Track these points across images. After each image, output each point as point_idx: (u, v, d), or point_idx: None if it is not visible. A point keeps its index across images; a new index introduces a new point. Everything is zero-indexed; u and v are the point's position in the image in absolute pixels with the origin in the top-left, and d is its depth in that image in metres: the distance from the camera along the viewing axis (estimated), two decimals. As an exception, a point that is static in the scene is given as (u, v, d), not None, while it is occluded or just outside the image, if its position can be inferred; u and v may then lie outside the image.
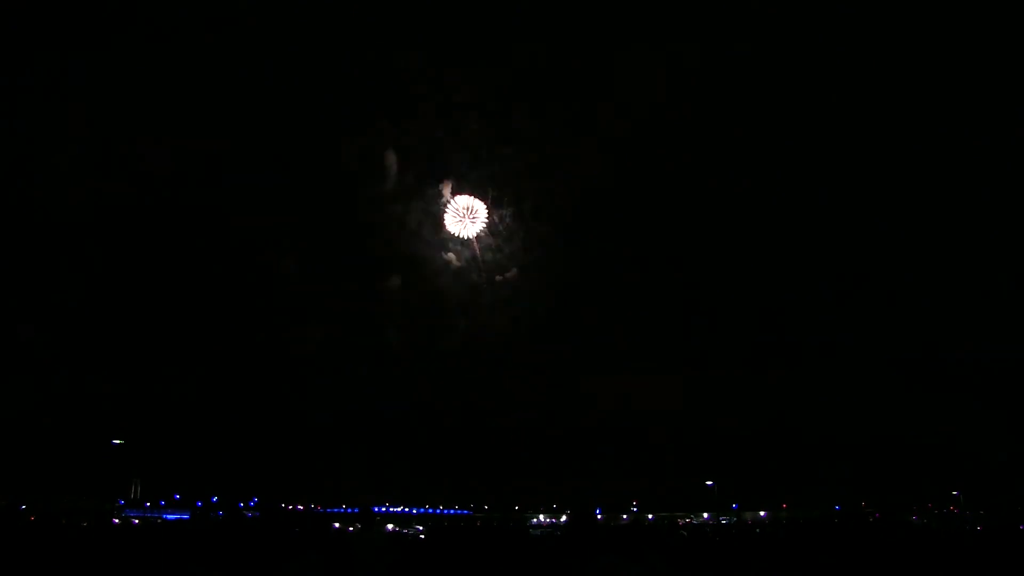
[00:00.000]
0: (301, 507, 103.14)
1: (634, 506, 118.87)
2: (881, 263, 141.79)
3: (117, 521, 60.86)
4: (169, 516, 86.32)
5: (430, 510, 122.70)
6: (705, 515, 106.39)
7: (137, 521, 63.50)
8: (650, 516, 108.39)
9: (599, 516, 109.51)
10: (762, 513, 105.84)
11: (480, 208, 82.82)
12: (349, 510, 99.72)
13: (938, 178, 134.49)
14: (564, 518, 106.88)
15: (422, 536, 40.10)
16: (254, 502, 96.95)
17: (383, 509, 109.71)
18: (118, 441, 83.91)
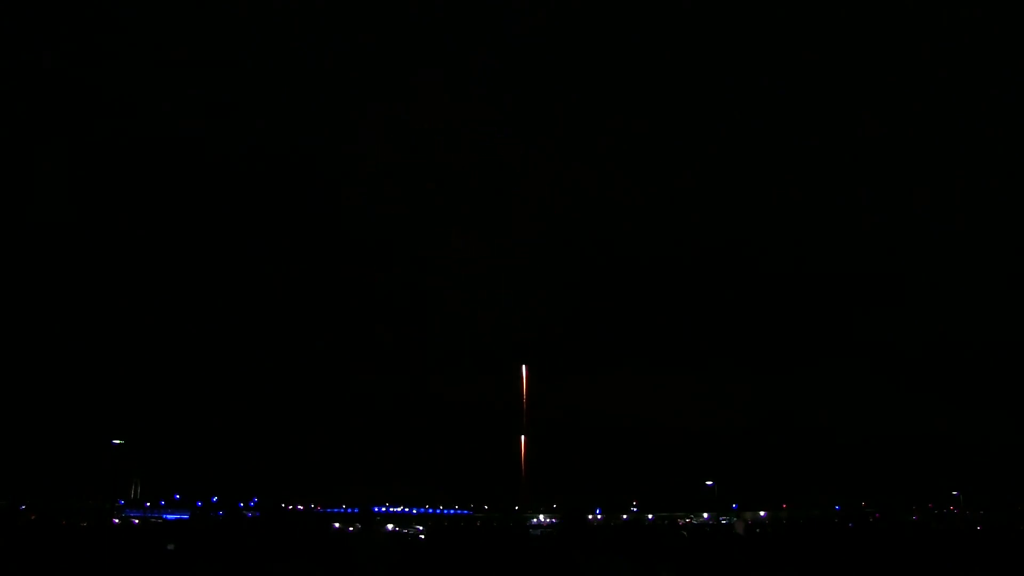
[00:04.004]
0: (301, 507, 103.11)
1: (634, 506, 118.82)
2: (881, 262, 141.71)
3: (117, 521, 60.80)
4: (169, 516, 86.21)
5: (430, 510, 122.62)
6: (705, 515, 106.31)
7: (137, 521, 63.44)
8: (650, 516, 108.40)
9: (599, 516, 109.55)
10: (762, 513, 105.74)
11: None
12: (349, 510, 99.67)
13: (938, 175, 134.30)
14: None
15: (422, 536, 40.06)
16: (254, 502, 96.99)
17: (383, 509, 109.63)
18: (118, 441, 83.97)
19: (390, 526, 63.87)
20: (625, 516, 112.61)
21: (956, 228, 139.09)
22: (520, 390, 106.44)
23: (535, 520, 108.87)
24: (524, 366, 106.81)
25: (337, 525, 48.59)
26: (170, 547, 21.37)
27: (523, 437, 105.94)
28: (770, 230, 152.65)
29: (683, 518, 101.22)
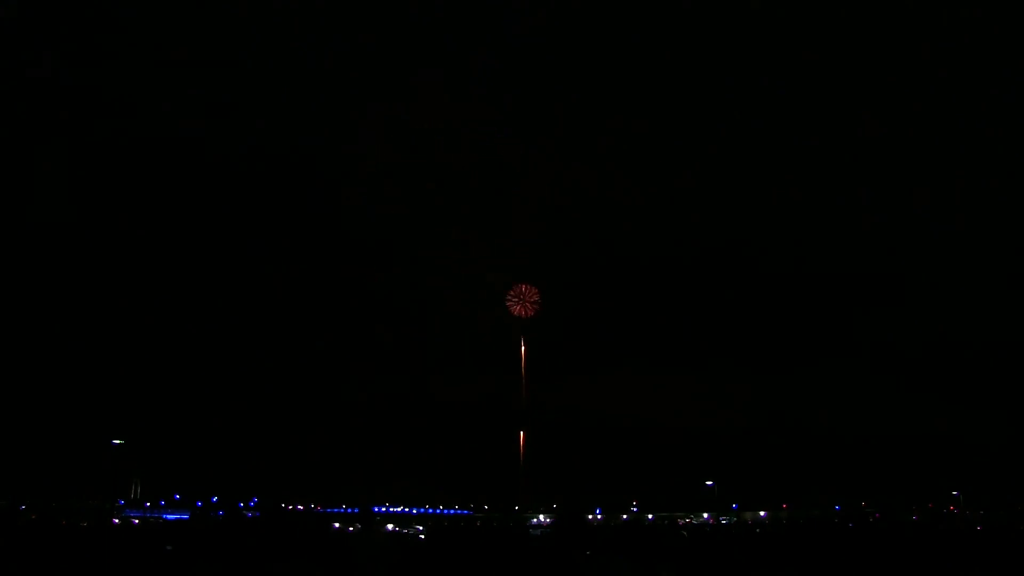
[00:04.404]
0: (301, 507, 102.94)
1: (634, 506, 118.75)
2: (881, 262, 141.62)
3: (117, 521, 60.78)
4: (169, 516, 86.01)
5: (430, 510, 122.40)
6: (705, 515, 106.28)
7: (137, 521, 63.40)
8: (650, 516, 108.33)
9: (599, 516, 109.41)
10: (762, 513, 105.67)
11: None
12: (349, 510, 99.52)
13: (938, 175, 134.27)
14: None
15: (422, 536, 40.01)
16: (254, 502, 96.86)
17: (383, 509, 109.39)
18: (118, 441, 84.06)
19: (390, 526, 63.74)
20: (625, 516, 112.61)
21: (956, 228, 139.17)
22: (519, 367, 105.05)
23: (535, 520, 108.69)
24: (523, 339, 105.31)
25: (337, 525, 48.52)
26: (169, 548, 21.40)
27: (522, 433, 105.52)
28: (770, 230, 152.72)
29: (683, 518, 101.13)
